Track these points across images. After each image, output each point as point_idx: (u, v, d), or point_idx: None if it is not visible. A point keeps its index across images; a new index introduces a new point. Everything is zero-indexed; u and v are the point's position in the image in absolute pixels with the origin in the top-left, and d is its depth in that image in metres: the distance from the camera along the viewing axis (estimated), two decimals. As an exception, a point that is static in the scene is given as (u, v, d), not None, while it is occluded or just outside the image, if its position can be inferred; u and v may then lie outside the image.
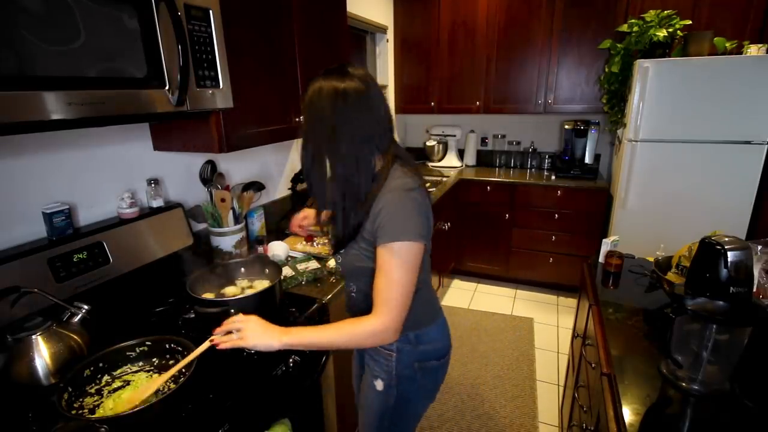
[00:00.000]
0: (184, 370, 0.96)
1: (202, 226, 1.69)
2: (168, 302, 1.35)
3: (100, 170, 1.35)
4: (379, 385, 1.13)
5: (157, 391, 0.92)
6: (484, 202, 3.29)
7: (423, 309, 1.09)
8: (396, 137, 1.06)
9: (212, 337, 0.97)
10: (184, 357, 0.97)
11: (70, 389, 0.90)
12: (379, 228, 0.94)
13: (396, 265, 0.92)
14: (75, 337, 1.01)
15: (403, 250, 0.92)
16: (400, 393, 1.12)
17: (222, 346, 0.95)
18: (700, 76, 2.36)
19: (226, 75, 1.22)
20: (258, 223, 1.87)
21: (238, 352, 1.12)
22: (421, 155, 3.80)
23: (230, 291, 1.30)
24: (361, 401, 1.22)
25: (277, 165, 2.23)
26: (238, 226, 1.68)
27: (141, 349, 1.04)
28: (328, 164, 0.96)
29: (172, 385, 0.95)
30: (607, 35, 2.87)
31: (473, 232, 3.42)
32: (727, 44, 2.43)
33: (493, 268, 3.47)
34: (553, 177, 3.25)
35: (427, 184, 2.97)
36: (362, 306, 1.10)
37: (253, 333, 0.95)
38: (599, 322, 1.31)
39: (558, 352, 2.66)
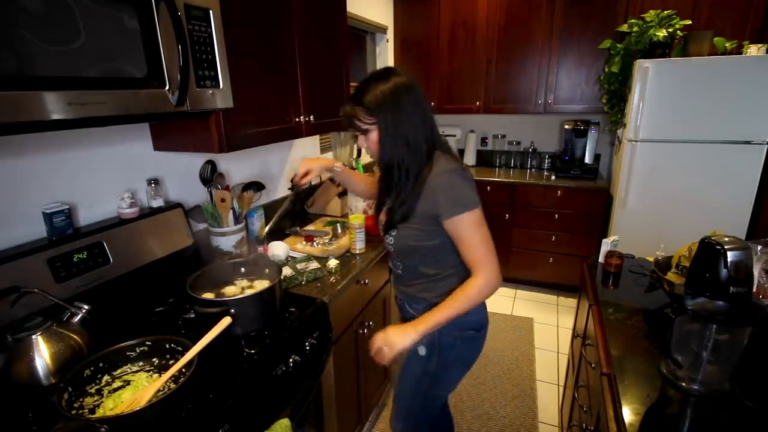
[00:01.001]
0: (184, 369, 0.96)
1: (202, 226, 1.69)
2: (168, 302, 1.35)
3: (100, 170, 1.35)
4: (422, 350, 1.26)
5: (157, 391, 0.92)
6: (484, 202, 3.20)
7: (466, 278, 1.19)
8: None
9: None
10: (183, 356, 0.97)
11: (70, 389, 0.89)
12: (443, 205, 1.09)
13: (472, 232, 1.10)
14: (75, 337, 1.01)
15: (473, 218, 1.10)
16: (441, 359, 1.25)
17: (384, 362, 1.14)
18: (700, 76, 2.36)
19: (226, 75, 1.22)
20: (258, 223, 1.87)
21: (238, 352, 1.12)
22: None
23: (230, 291, 1.30)
24: (401, 367, 1.34)
25: (277, 165, 2.23)
26: (238, 226, 1.68)
27: (141, 349, 1.04)
28: (403, 150, 1.11)
29: (172, 385, 0.95)
30: (607, 35, 2.88)
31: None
32: (727, 44, 2.43)
33: (493, 268, 3.46)
34: (553, 177, 3.25)
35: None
36: (410, 281, 1.27)
37: (396, 338, 1.12)
38: (599, 322, 1.31)
39: (558, 352, 2.66)
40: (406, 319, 1.34)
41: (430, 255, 1.20)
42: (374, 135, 1.12)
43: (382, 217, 1.27)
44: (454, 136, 3.69)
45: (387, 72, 1.12)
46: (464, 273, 1.23)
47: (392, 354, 1.13)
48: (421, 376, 1.28)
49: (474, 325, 1.26)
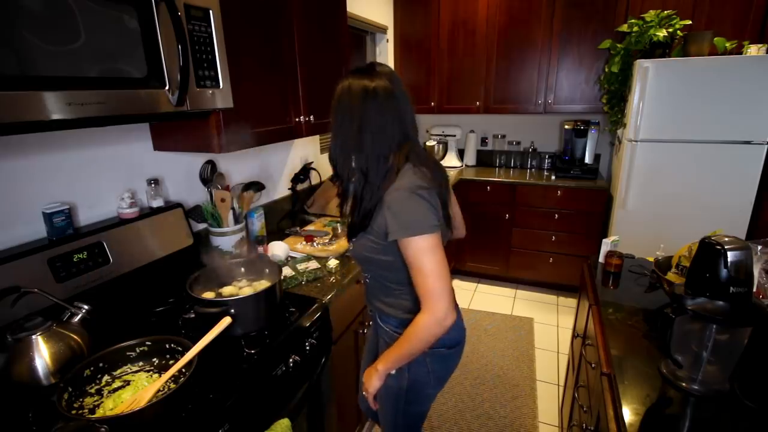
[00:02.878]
0: (183, 369, 0.96)
1: (202, 226, 1.69)
2: (168, 302, 1.35)
3: (100, 170, 1.35)
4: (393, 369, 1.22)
5: (157, 391, 0.92)
6: (484, 202, 3.29)
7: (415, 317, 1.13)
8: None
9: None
10: (183, 356, 0.97)
11: (70, 389, 0.89)
12: (391, 224, 0.99)
13: (424, 258, 0.98)
14: (75, 337, 1.01)
15: (424, 244, 0.98)
16: (412, 376, 1.20)
17: (373, 406, 1.23)
18: (700, 76, 2.36)
19: (226, 75, 1.22)
20: (258, 223, 1.87)
21: (238, 352, 1.12)
22: (421, 155, 3.80)
23: (230, 291, 1.30)
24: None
25: (277, 165, 2.23)
26: (238, 226, 1.68)
27: (141, 349, 1.04)
28: (353, 157, 1.04)
29: (172, 385, 0.95)
30: (607, 35, 2.88)
31: (473, 232, 3.41)
32: (727, 44, 2.43)
33: (493, 267, 3.47)
34: (553, 177, 3.25)
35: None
36: (376, 293, 1.21)
37: (367, 384, 1.17)
38: (599, 322, 1.31)
39: (558, 352, 2.66)
40: (379, 333, 1.28)
41: (388, 270, 1.12)
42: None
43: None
44: (454, 136, 3.69)
45: (367, 69, 1.04)
46: None
47: (371, 397, 1.19)
48: (397, 394, 1.23)
49: (446, 343, 1.19)
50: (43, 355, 0.95)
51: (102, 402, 0.92)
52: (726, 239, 0.94)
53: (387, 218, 1.00)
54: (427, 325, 1.01)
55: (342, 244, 1.84)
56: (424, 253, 0.98)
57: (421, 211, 0.98)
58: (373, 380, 1.14)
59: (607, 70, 2.85)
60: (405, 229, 0.98)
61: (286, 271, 1.56)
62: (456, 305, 1.19)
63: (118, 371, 1.01)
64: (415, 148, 1.08)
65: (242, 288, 1.32)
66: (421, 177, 1.02)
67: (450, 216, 1.17)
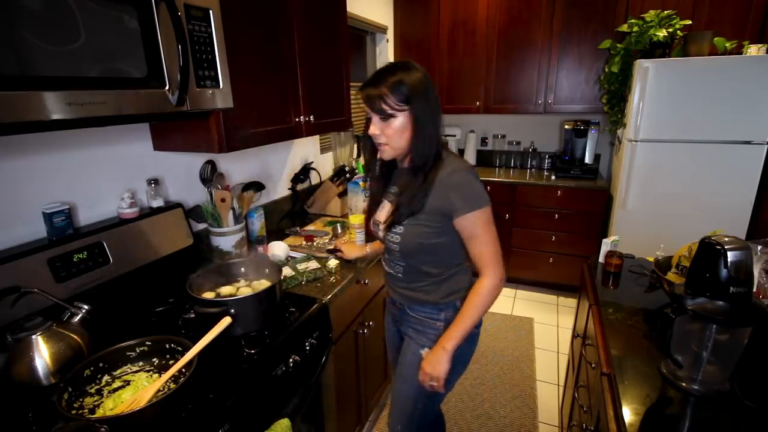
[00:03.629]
0: (183, 369, 0.96)
1: (202, 226, 1.69)
2: (168, 302, 1.35)
3: (100, 170, 1.35)
4: (424, 352, 1.26)
5: (157, 391, 0.92)
6: None
7: (470, 280, 1.25)
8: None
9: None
10: (183, 356, 0.97)
11: (70, 389, 0.89)
12: (456, 201, 1.10)
13: (486, 228, 1.12)
14: (75, 337, 1.01)
15: (486, 215, 1.12)
16: None
17: (437, 388, 1.20)
18: (700, 76, 2.36)
19: (226, 75, 1.22)
20: (258, 223, 1.87)
21: (238, 352, 1.12)
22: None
23: (230, 291, 1.30)
24: (402, 369, 1.33)
25: (277, 165, 2.23)
26: (238, 226, 1.68)
27: (141, 349, 1.04)
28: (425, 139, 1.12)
29: (172, 385, 0.95)
30: (607, 35, 2.88)
31: (473, 232, 3.41)
32: (727, 44, 2.43)
33: (493, 268, 3.46)
34: (553, 177, 3.25)
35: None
36: (411, 282, 1.26)
37: (435, 370, 1.17)
38: (599, 322, 1.31)
39: (558, 352, 2.66)
40: (404, 323, 1.33)
41: (435, 253, 1.19)
42: (397, 122, 1.09)
43: (381, 215, 1.25)
44: (454, 136, 3.69)
45: (410, 64, 1.11)
46: (465, 273, 1.25)
47: (442, 383, 1.19)
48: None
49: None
50: (43, 355, 0.95)
51: (102, 402, 0.92)
52: (726, 239, 0.94)
53: (452, 198, 1.10)
54: (492, 286, 1.13)
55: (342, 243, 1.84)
56: (487, 223, 1.12)
57: (480, 186, 1.12)
58: (442, 362, 1.16)
59: (607, 70, 2.85)
60: (472, 203, 1.09)
61: (286, 271, 1.56)
62: None
63: (118, 371, 1.01)
64: (442, 138, 1.19)
65: (242, 288, 1.32)
66: (462, 159, 1.16)
67: None
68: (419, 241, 1.16)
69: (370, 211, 1.30)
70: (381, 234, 1.24)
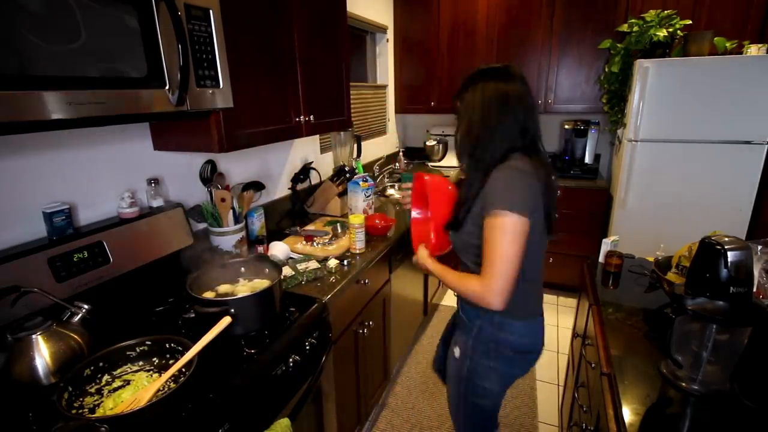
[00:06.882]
0: (184, 369, 0.96)
1: (202, 226, 1.69)
2: (168, 302, 1.35)
3: (100, 170, 1.35)
4: (457, 352, 1.28)
5: (157, 391, 0.92)
6: None
7: (517, 301, 1.10)
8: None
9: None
10: (183, 356, 0.97)
11: (71, 389, 0.89)
12: (485, 199, 1.05)
13: (498, 236, 1.01)
14: (75, 336, 1.01)
15: (506, 221, 1.00)
16: (472, 365, 1.24)
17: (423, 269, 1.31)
18: (700, 76, 2.36)
19: (226, 75, 1.22)
20: (258, 223, 1.87)
21: (238, 352, 1.12)
22: (422, 155, 3.80)
23: (230, 290, 1.30)
24: (447, 367, 1.37)
25: (277, 165, 2.23)
26: (238, 226, 1.68)
27: (141, 348, 1.04)
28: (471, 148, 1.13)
29: (172, 385, 0.95)
30: (607, 35, 2.87)
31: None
32: (727, 44, 2.43)
33: (493, 268, 3.46)
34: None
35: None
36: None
37: (420, 260, 1.30)
38: (599, 322, 1.31)
39: (558, 352, 2.66)
40: (456, 323, 1.36)
41: (478, 254, 1.12)
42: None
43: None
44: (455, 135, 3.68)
45: (504, 72, 1.12)
46: (520, 293, 1.16)
47: (422, 264, 1.30)
48: (458, 380, 1.29)
49: (516, 346, 1.20)
50: (43, 354, 0.95)
51: (102, 401, 0.92)
52: (726, 239, 0.94)
53: (487, 193, 1.05)
54: (471, 290, 1.07)
55: (342, 244, 1.84)
56: (504, 232, 1.00)
57: (518, 188, 1.02)
58: (425, 262, 1.28)
59: (607, 70, 2.85)
60: (497, 202, 1.01)
61: (286, 271, 1.56)
62: (541, 315, 1.26)
63: (118, 371, 1.01)
64: (531, 148, 1.15)
65: (242, 288, 1.32)
66: (523, 164, 1.07)
67: (553, 220, 1.23)
68: (466, 240, 1.17)
69: None
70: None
